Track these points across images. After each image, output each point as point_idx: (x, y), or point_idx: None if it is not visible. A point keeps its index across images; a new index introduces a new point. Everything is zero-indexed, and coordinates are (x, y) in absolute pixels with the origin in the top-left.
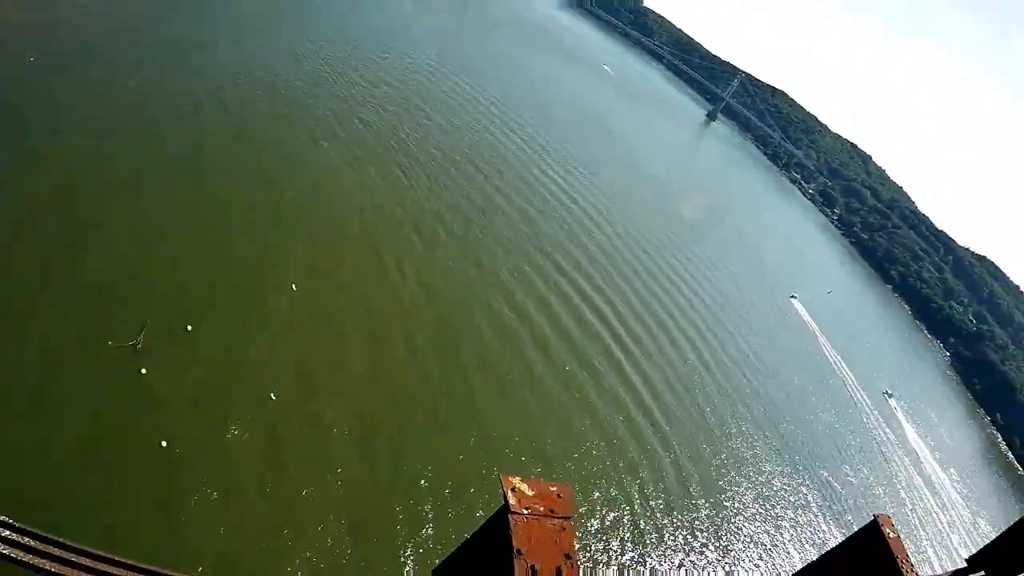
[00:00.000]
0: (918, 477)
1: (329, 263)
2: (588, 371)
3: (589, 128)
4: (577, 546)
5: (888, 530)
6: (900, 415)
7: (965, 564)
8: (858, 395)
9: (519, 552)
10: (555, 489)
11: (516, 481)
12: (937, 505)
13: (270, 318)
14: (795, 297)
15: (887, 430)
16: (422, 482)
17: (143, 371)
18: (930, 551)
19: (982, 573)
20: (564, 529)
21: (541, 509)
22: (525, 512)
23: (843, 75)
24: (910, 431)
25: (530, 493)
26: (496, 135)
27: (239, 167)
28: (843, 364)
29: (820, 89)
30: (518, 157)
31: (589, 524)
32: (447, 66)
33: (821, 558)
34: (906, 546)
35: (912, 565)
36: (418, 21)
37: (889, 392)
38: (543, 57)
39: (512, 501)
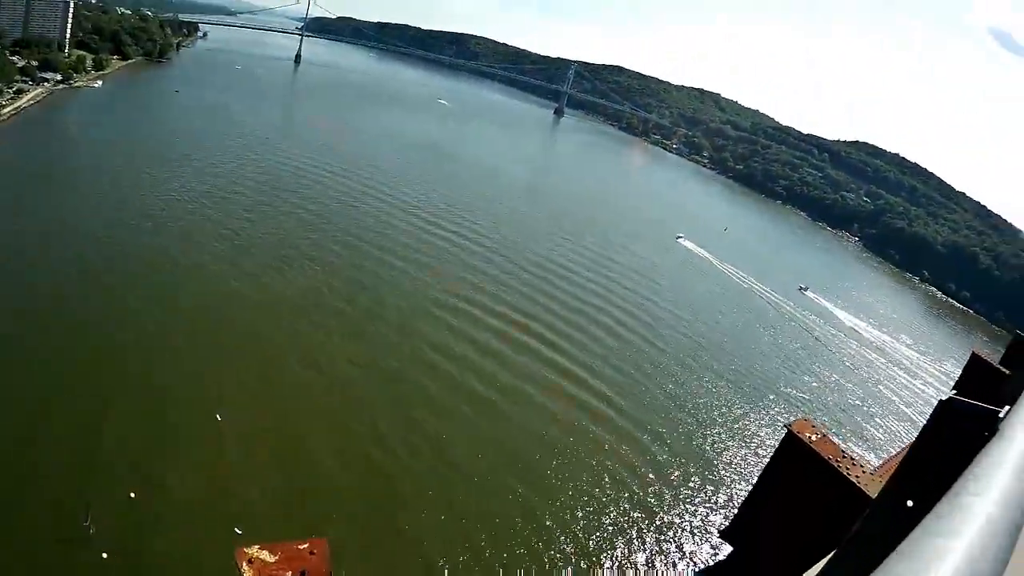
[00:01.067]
0: (874, 354)
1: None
2: (534, 383)
3: (446, 165)
4: None
5: (808, 434)
6: (828, 305)
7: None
8: (786, 307)
9: None
10: (306, 547)
11: (253, 551)
12: (905, 373)
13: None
14: (681, 237)
15: (822, 324)
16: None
17: (104, 555)
18: (911, 414)
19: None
20: None
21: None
22: None
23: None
24: (843, 316)
25: (271, 560)
26: (359, 204)
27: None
28: (763, 286)
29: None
30: (389, 220)
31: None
32: (272, 151)
33: (759, 479)
34: (837, 441)
35: (843, 454)
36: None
37: (804, 287)
38: (381, 112)
39: None
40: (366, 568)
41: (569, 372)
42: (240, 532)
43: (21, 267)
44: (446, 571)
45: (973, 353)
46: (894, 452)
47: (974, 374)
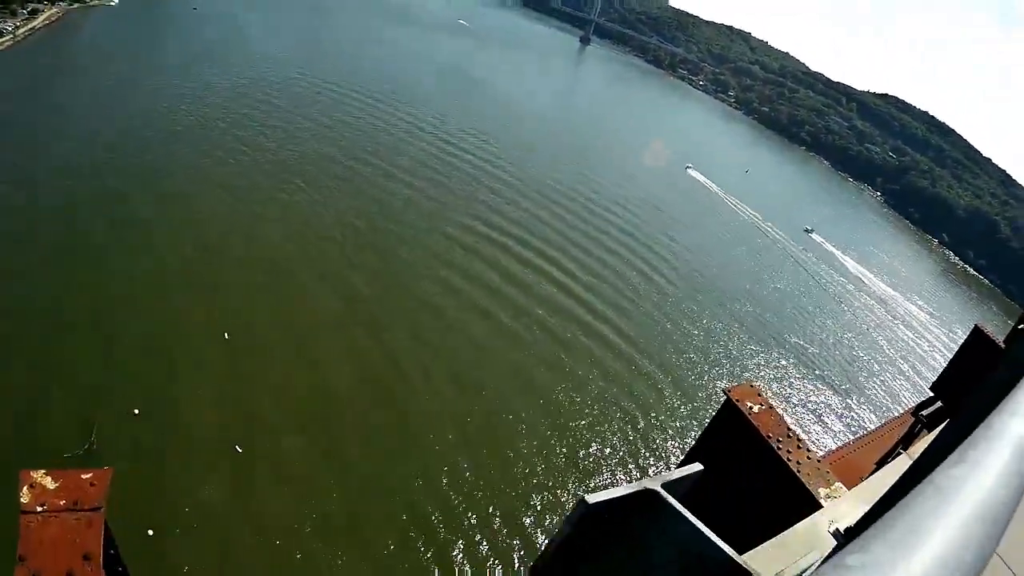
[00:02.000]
0: (886, 315)
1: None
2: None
3: (474, 92)
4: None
5: (750, 403)
6: (849, 261)
7: (931, 394)
8: (802, 255)
9: (21, 559)
10: (88, 476)
11: (38, 476)
12: (913, 335)
13: (208, 370)
14: (690, 167)
15: (836, 275)
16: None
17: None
18: (914, 376)
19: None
20: (91, 524)
21: (62, 503)
22: (39, 510)
23: None
24: (865, 273)
25: (53, 486)
26: (381, 125)
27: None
28: (778, 230)
29: None
30: (412, 142)
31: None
32: (309, 69)
33: (698, 440)
34: (782, 413)
35: (788, 431)
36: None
37: (809, 228)
38: (404, 32)
39: (26, 499)
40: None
41: (580, 298)
42: (240, 451)
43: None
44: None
45: (976, 326)
46: (879, 423)
47: (973, 347)
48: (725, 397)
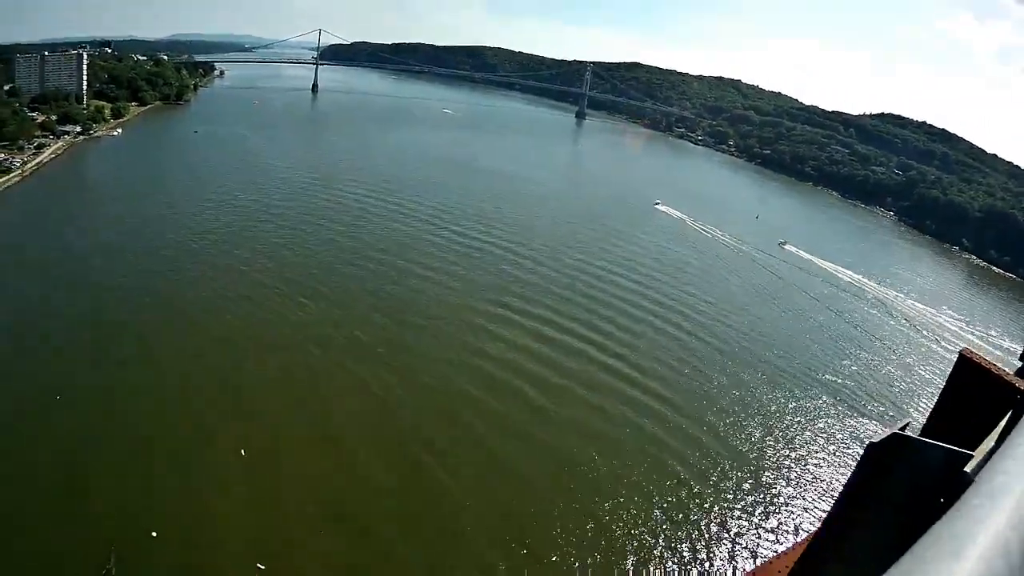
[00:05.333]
0: (915, 334)
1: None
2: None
3: (476, 177)
4: None
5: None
6: (871, 285)
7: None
8: (828, 289)
9: None
10: None
11: None
12: (946, 345)
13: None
14: (659, 202)
15: (866, 300)
16: None
17: None
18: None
19: None
20: None
21: None
22: None
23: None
24: (888, 293)
25: None
26: (394, 223)
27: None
28: (794, 263)
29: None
30: (432, 239)
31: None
32: (288, 179)
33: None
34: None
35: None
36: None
37: (783, 241)
38: (401, 130)
39: None
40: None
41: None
42: (263, 568)
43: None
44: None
45: (961, 353)
46: None
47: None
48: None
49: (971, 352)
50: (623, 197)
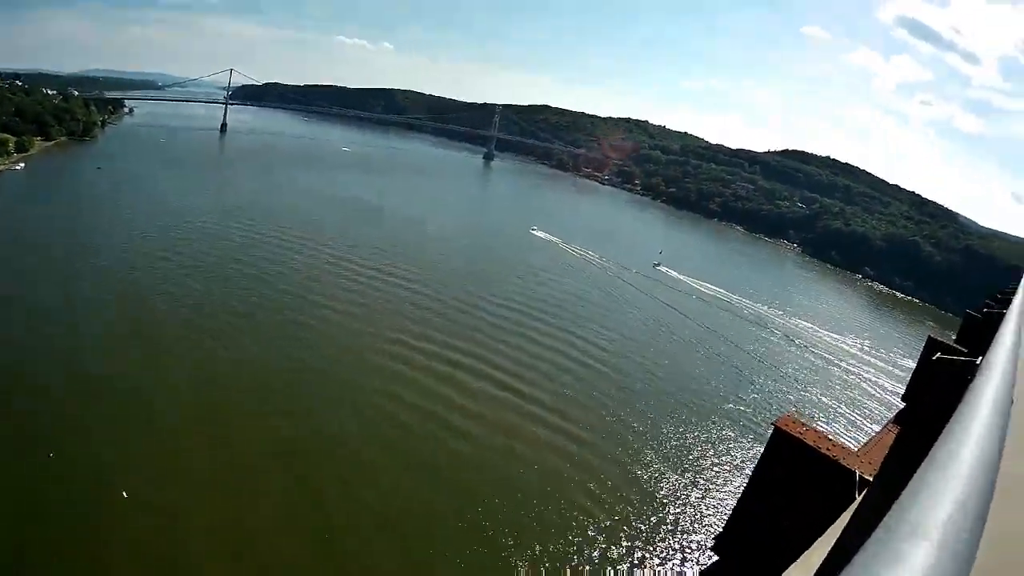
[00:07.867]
0: (824, 356)
1: None
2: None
3: (380, 220)
4: None
5: (795, 428)
6: (767, 310)
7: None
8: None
9: None
10: None
11: None
12: (856, 373)
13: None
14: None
15: (763, 326)
16: None
17: None
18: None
19: None
20: None
21: None
22: None
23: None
24: (784, 319)
25: None
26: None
27: None
28: (700, 296)
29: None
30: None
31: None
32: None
33: (751, 479)
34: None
35: (832, 442)
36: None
37: (657, 263)
38: (304, 172)
39: None
40: None
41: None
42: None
43: None
44: None
45: (929, 336)
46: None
47: (930, 354)
48: (774, 427)
49: (787, 422)
50: (514, 235)
